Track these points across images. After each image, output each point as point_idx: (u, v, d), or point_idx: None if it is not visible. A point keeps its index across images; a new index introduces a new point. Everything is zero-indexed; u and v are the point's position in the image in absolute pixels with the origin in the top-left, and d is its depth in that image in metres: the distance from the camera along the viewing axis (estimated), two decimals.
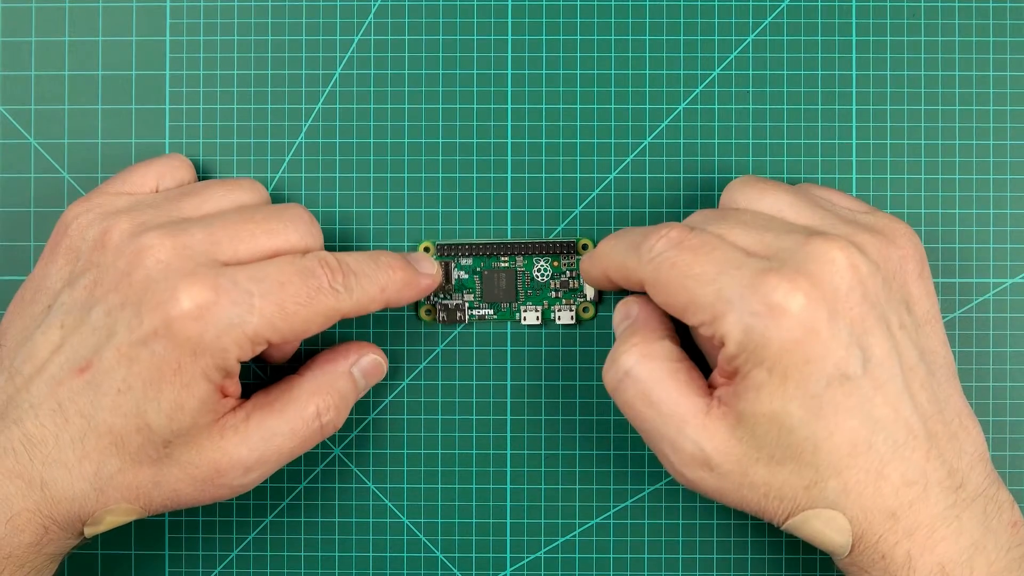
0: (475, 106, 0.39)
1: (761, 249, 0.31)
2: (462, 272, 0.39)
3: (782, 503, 0.31)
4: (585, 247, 0.38)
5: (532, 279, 0.39)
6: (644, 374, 0.32)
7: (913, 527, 0.30)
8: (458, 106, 0.39)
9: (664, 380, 0.32)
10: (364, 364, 0.36)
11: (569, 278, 0.38)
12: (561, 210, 0.39)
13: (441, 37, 0.39)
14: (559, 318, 0.38)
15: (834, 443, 0.30)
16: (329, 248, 0.39)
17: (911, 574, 0.30)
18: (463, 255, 0.38)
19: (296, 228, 0.34)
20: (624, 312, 0.35)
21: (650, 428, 0.32)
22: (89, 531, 0.33)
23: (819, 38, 0.39)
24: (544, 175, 0.39)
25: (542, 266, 0.38)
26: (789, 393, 0.30)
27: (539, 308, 0.38)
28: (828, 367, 0.30)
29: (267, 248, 0.33)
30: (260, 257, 0.33)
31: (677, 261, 0.31)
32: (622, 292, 0.38)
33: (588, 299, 0.38)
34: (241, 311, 0.31)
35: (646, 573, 0.39)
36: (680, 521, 0.39)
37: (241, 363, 0.32)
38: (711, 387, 0.32)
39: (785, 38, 0.39)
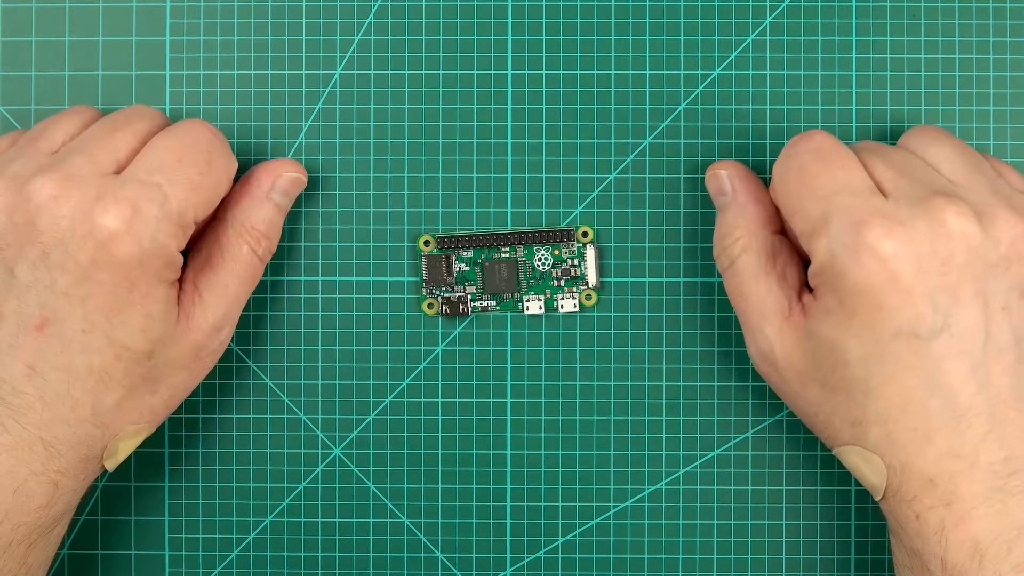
0: (475, 106, 0.39)
1: (890, 189, 0.31)
2: (463, 264, 0.39)
3: (828, 429, 0.32)
4: (585, 235, 0.38)
5: (533, 268, 0.39)
6: (743, 266, 0.34)
7: (951, 498, 0.30)
8: (458, 106, 0.39)
9: (759, 275, 0.33)
10: (281, 186, 0.36)
11: (571, 266, 0.38)
12: (561, 210, 0.39)
13: (441, 37, 0.39)
14: (562, 306, 0.38)
15: (887, 392, 0.30)
16: (328, 247, 0.39)
17: (943, 542, 0.30)
18: (463, 247, 0.38)
19: (150, 115, 0.35)
20: (717, 186, 0.35)
21: (740, 315, 0.34)
22: (110, 464, 0.34)
23: (819, 38, 0.39)
24: (544, 175, 0.39)
25: (543, 255, 0.39)
26: (853, 330, 0.30)
27: (541, 297, 0.38)
28: (899, 320, 0.30)
29: (140, 145, 0.34)
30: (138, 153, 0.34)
31: (806, 167, 0.32)
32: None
33: (590, 286, 0.38)
34: (160, 204, 0.32)
35: (646, 573, 0.39)
36: (680, 521, 0.39)
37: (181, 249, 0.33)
38: (805, 289, 0.33)
39: (785, 38, 0.39)
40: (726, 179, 0.35)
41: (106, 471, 0.34)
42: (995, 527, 0.30)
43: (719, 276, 0.39)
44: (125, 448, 0.34)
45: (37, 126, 0.35)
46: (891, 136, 0.38)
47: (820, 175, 0.31)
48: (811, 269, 0.31)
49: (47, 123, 0.35)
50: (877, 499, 0.32)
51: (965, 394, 0.30)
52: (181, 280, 0.34)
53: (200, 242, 0.35)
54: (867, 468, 0.31)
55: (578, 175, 0.39)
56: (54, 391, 0.31)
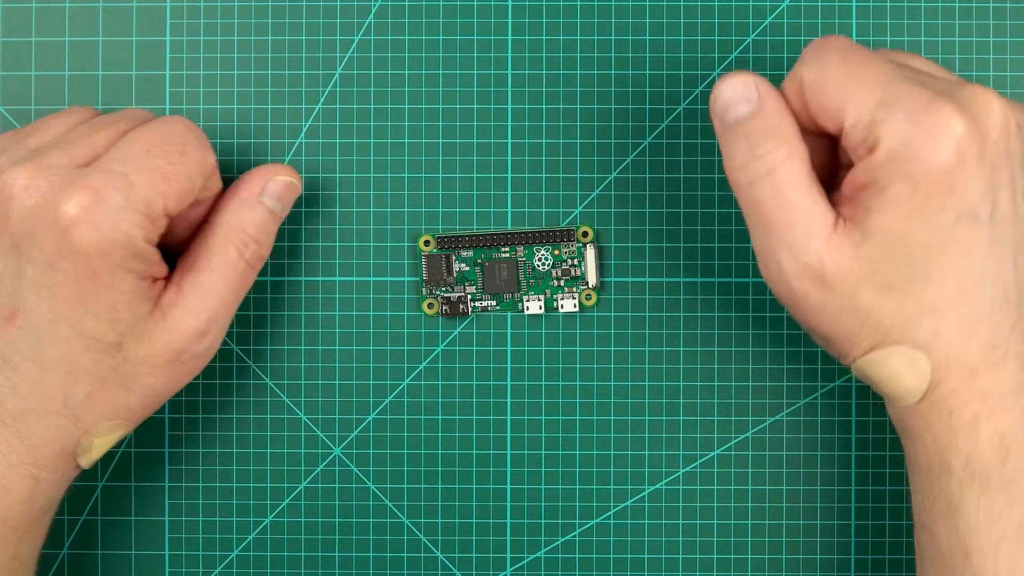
0: (475, 106, 0.39)
1: (925, 80, 0.31)
2: (463, 264, 0.39)
3: (873, 334, 0.31)
4: (585, 234, 0.38)
5: (533, 268, 0.39)
6: (787, 175, 0.31)
7: (987, 391, 0.30)
8: (458, 106, 0.39)
9: (804, 185, 0.31)
10: (273, 190, 0.35)
11: (570, 266, 0.38)
12: (561, 210, 0.39)
13: (441, 37, 0.39)
14: (562, 306, 0.38)
15: (944, 281, 0.30)
16: (328, 247, 0.39)
17: (974, 436, 0.30)
18: (463, 247, 0.38)
19: (140, 116, 0.35)
20: (741, 93, 0.32)
21: (772, 232, 0.31)
22: (84, 461, 0.33)
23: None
24: (544, 175, 0.39)
25: (543, 255, 0.39)
26: (925, 216, 0.29)
27: (541, 297, 0.38)
28: (965, 202, 0.29)
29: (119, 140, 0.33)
30: None
31: (847, 59, 0.31)
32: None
33: (590, 286, 0.38)
34: (124, 193, 0.31)
35: (646, 573, 0.39)
36: (680, 521, 0.39)
37: (154, 243, 0.32)
38: (833, 204, 0.32)
39: (785, 38, 0.39)
40: (753, 86, 0.32)
41: (87, 471, 0.34)
42: (1021, 421, 0.30)
43: (719, 276, 0.39)
44: (99, 445, 0.33)
45: (34, 123, 0.35)
46: None
47: (865, 66, 0.30)
48: (873, 160, 0.30)
49: (43, 120, 0.35)
50: (909, 405, 0.31)
51: (1002, 281, 0.30)
52: (168, 280, 0.34)
53: (190, 245, 0.35)
54: (910, 368, 0.30)
55: (578, 175, 0.39)
56: (26, 382, 0.31)
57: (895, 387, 0.31)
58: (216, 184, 0.35)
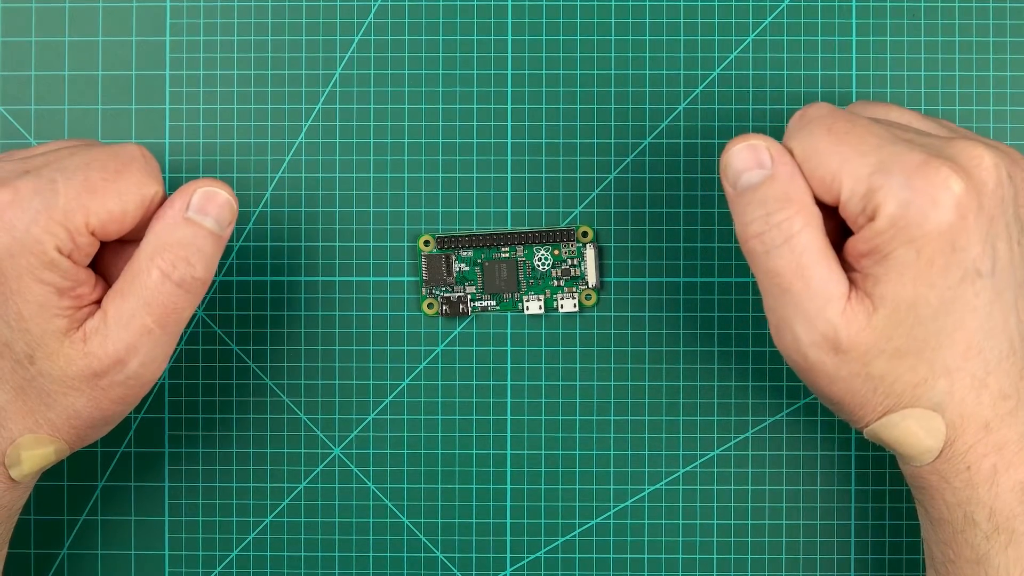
0: (475, 106, 0.39)
1: (912, 138, 0.31)
2: (463, 264, 0.39)
3: (887, 399, 0.31)
4: (585, 234, 0.38)
5: (533, 268, 0.39)
6: (805, 244, 0.30)
7: (1003, 442, 0.30)
8: (458, 106, 0.39)
9: (821, 253, 0.30)
10: (197, 203, 0.32)
11: (570, 266, 0.38)
12: (561, 210, 0.39)
13: (441, 37, 0.39)
14: (562, 306, 0.38)
15: (954, 341, 0.30)
16: (327, 248, 0.39)
17: (995, 488, 0.30)
18: (463, 247, 0.38)
19: (124, 150, 0.33)
20: (752, 158, 0.31)
21: (790, 302, 0.30)
22: (15, 473, 0.32)
23: (819, 38, 0.39)
24: (544, 175, 0.39)
25: (543, 255, 0.39)
26: (932, 279, 0.29)
27: (541, 297, 0.38)
28: (968, 260, 0.29)
29: None
30: None
31: (835, 128, 0.30)
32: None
33: (590, 286, 0.38)
34: (44, 197, 0.30)
35: (646, 573, 0.39)
36: (680, 521, 0.39)
37: (78, 261, 0.31)
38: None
39: (785, 38, 0.39)
40: (765, 150, 0.31)
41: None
42: None
43: (719, 276, 0.39)
44: (29, 459, 0.32)
45: (34, 147, 0.35)
46: None
47: (852, 132, 0.30)
48: (873, 227, 0.29)
49: (43, 144, 0.35)
50: (925, 465, 0.31)
51: (1007, 332, 0.30)
52: (101, 302, 0.32)
53: (123, 271, 0.33)
54: (925, 429, 0.31)
55: (578, 175, 0.39)
56: None
57: (911, 448, 0.31)
58: (140, 202, 0.33)
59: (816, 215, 0.31)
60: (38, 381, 0.31)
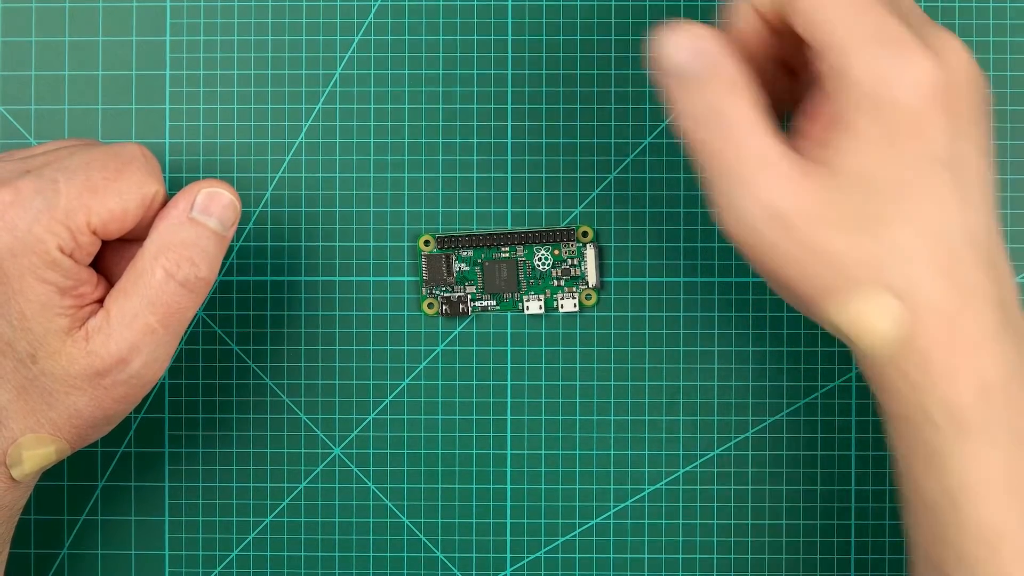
0: (475, 106, 0.39)
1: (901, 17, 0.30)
2: (463, 264, 0.39)
3: (845, 281, 0.29)
4: (585, 234, 0.38)
5: (533, 268, 0.39)
6: (741, 115, 0.29)
7: (965, 337, 0.29)
8: (458, 106, 0.39)
9: (757, 123, 0.29)
10: (201, 203, 0.33)
11: (570, 266, 0.38)
12: (561, 210, 0.39)
13: (441, 37, 0.39)
14: (562, 306, 0.38)
15: (912, 227, 0.29)
16: (327, 248, 0.39)
17: (954, 384, 0.29)
18: (463, 247, 0.38)
19: (125, 145, 0.33)
20: (688, 43, 0.30)
21: (730, 172, 0.30)
22: (16, 473, 0.32)
23: None
24: (544, 175, 0.39)
25: (543, 255, 0.39)
26: (890, 157, 0.29)
27: (541, 297, 0.38)
28: (933, 147, 0.29)
29: None
30: None
31: None
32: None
33: (590, 286, 0.38)
34: (46, 196, 0.30)
35: (646, 573, 0.39)
36: (680, 521, 0.39)
37: (80, 260, 0.31)
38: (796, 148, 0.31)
39: None
40: (696, 35, 0.30)
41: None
42: (998, 368, 0.29)
43: (719, 276, 0.39)
44: (30, 459, 0.32)
45: (34, 147, 0.35)
46: None
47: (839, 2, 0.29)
48: (841, 95, 0.29)
49: (43, 144, 0.35)
50: (883, 354, 0.30)
51: (968, 226, 0.30)
52: (101, 303, 0.32)
53: (126, 271, 0.33)
54: (883, 315, 0.29)
55: (578, 175, 0.39)
56: None
57: (870, 337, 0.30)
58: (141, 201, 0.33)
59: (748, 88, 0.30)
60: (40, 380, 0.31)
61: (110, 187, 0.31)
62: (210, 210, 0.33)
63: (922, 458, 0.30)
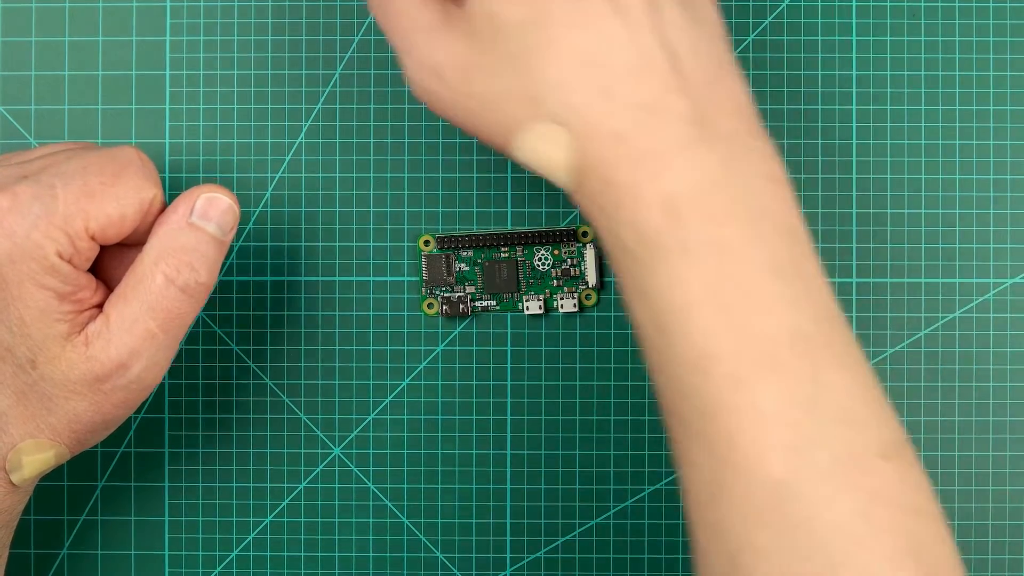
0: None
1: None
2: (463, 264, 0.39)
3: (502, 117, 0.30)
4: (585, 234, 0.38)
5: (533, 268, 0.39)
6: None
7: (642, 153, 0.28)
8: None
9: None
10: (201, 209, 0.33)
11: (570, 266, 0.38)
12: (561, 210, 0.39)
13: None
14: (562, 306, 0.38)
15: (555, 53, 0.29)
16: (327, 248, 0.39)
17: (635, 201, 0.28)
18: (463, 247, 0.38)
19: (122, 148, 0.33)
20: None
21: (399, 40, 0.31)
22: (16, 478, 0.32)
23: (819, 38, 0.39)
24: None
25: (543, 255, 0.39)
26: None
27: (541, 297, 0.38)
28: None
29: None
30: None
31: None
32: None
33: (590, 286, 0.38)
34: (44, 202, 0.30)
35: (646, 573, 0.39)
36: (680, 521, 0.39)
37: (78, 265, 0.31)
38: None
39: (785, 38, 0.39)
40: None
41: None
42: (687, 181, 0.28)
43: None
44: (30, 464, 0.32)
45: (32, 149, 0.35)
46: (891, 137, 0.38)
47: None
48: None
49: (40, 147, 0.35)
50: (569, 184, 0.30)
51: (638, 47, 0.29)
52: (100, 309, 0.32)
53: (125, 275, 0.33)
54: (552, 144, 0.29)
55: None
56: None
57: (546, 167, 0.30)
58: (139, 206, 0.33)
59: None
60: (40, 386, 0.31)
61: (107, 192, 0.31)
62: (209, 215, 0.33)
63: (629, 288, 0.29)
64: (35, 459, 0.32)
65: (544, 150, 0.29)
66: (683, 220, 0.28)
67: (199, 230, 0.33)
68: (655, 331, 0.29)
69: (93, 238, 0.31)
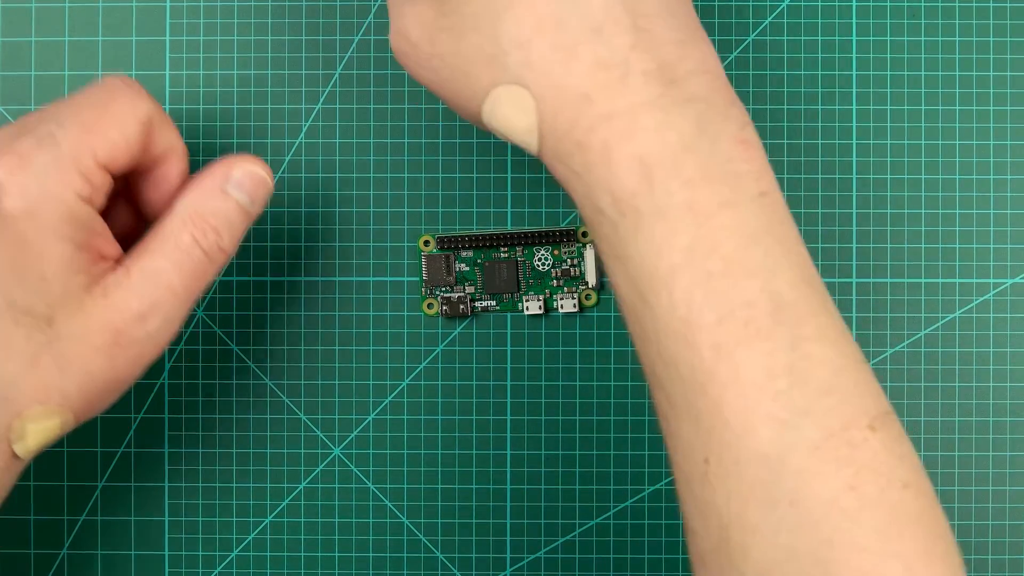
0: None
1: None
2: (463, 264, 0.39)
3: (469, 80, 0.29)
4: (585, 234, 0.38)
5: (533, 268, 0.39)
6: None
7: (611, 112, 0.28)
8: None
9: None
10: (238, 178, 0.33)
11: (570, 266, 0.38)
12: (561, 210, 0.39)
13: None
14: (562, 306, 0.38)
15: (516, 14, 0.28)
16: (327, 248, 0.39)
17: (608, 164, 0.28)
18: (463, 247, 0.38)
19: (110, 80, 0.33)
20: None
21: (390, 11, 0.32)
22: (20, 449, 0.31)
23: (819, 38, 0.39)
24: (544, 175, 0.39)
25: (543, 255, 0.39)
26: None
27: (541, 297, 0.38)
28: None
29: None
30: None
31: None
32: None
33: (590, 286, 0.38)
34: (50, 151, 0.30)
35: (646, 573, 0.39)
36: (680, 521, 0.39)
37: (97, 204, 0.31)
38: None
39: (785, 38, 0.39)
40: None
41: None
42: (659, 143, 0.28)
43: None
44: (35, 432, 0.31)
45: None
46: (891, 137, 0.38)
47: None
48: None
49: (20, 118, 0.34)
50: (535, 149, 0.29)
51: (601, 5, 0.28)
52: (119, 262, 0.32)
53: (150, 229, 0.33)
54: (516, 107, 0.29)
55: None
56: None
57: (512, 132, 0.29)
58: (167, 140, 0.33)
59: None
60: (55, 346, 0.31)
61: (104, 120, 0.31)
62: (244, 185, 0.33)
63: (607, 254, 0.29)
64: (40, 427, 0.31)
65: (508, 113, 0.29)
66: (657, 183, 0.27)
67: (231, 199, 0.33)
68: (638, 299, 0.28)
69: (106, 168, 0.31)
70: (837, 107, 0.38)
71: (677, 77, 0.28)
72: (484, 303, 0.39)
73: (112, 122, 0.31)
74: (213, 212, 0.33)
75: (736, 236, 0.27)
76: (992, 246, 0.38)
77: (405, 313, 0.39)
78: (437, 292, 0.39)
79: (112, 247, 0.32)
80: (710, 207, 0.27)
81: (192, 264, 0.32)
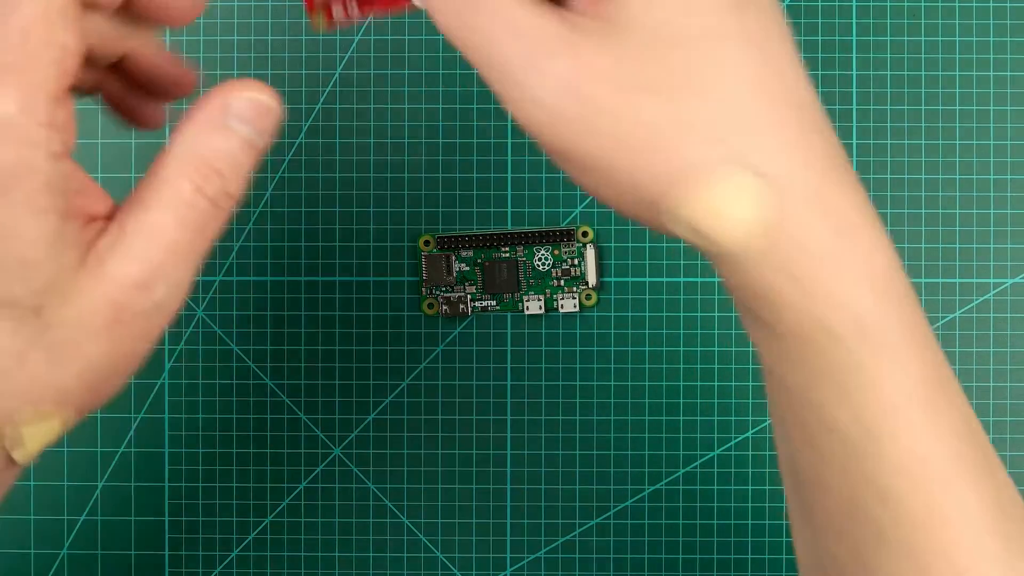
0: (475, 106, 0.39)
1: None
2: (463, 264, 0.39)
3: (668, 154, 0.24)
4: (585, 234, 0.38)
5: (533, 268, 0.39)
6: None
7: (840, 216, 0.24)
8: (458, 106, 0.39)
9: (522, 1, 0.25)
10: (239, 109, 0.27)
11: (570, 266, 0.38)
12: (561, 210, 0.39)
13: (441, 37, 0.39)
14: (562, 306, 0.38)
15: (739, 82, 0.24)
16: (327, 248, 0.39)
17: (842, 282, 0.24)
18: (463, 247, 0.38)
19: None
20: None
21: (507, 58, 0.25)
22: (19, 455, 0.28)
23: (819, 38, 0.39)
24: (544, 175, 0.39)
25: (543, 255, 0.39)
26: (689, 6, 0.24)
27: (541, 297, 0.38)
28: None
29: None
30: None
31: None
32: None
33: (590, 286, 0.38)
34: None
35: (646, 573, 0.39)
36: (680, 521, 0.39)
37: (67, 144, 0.26)
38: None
39: None
40: None
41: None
42: (884, 248, 0.25)
43: (720, 277, 0.39)
44: (32, 437, 0.27)
45: None
46: (891, 137, 0.38)
47: None
48: None
49: None
50: (750, 247, 0.24)
51: (801, 80, 0.24)
52: (110, 219, 0.27)
53: (143, 179, 0.28)
54: (737, 196, 0.23)
55: None
56: None
57: (730, 230, 0.24)
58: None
59: None
60: (47, 337, 0.27)
61: (13, 36, 0.24)
62: (247, 117, 0.28)
63: (826, 384, 0.25)
64: (37, 430, 0.28)
65: (726, 203, 0.23)
66: (890, 303, 0.24)
67: (234, 134, 0.28)
68: (854, 426, 0.25)
69: (51, 92, 0.25)
70: (837, 107, 0.38)
71: (859, 183, 0.25)
72: (484, 303, 0.39)
73: (22, 27, 0.24)
74: (213, 151, 0.27)
75: (947, 367, 0.26)
76: (992, 246, 0.38)
77: (405, 313, 0.39)
78: (437, 292, 0.39)
79: (101, 200, 0.27)
80: (928, 335, 0.25)
81: (196, 216, 0.27)
